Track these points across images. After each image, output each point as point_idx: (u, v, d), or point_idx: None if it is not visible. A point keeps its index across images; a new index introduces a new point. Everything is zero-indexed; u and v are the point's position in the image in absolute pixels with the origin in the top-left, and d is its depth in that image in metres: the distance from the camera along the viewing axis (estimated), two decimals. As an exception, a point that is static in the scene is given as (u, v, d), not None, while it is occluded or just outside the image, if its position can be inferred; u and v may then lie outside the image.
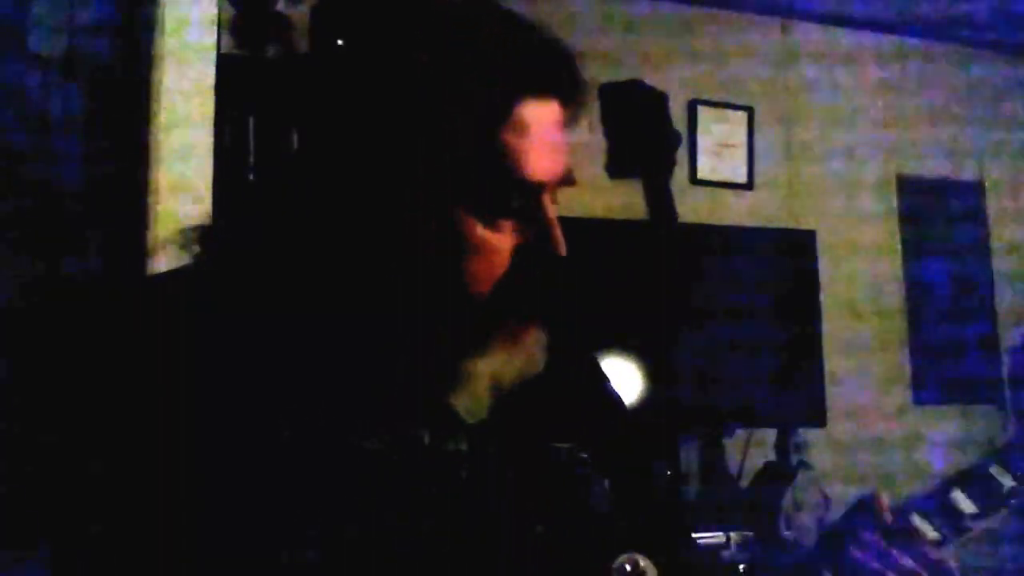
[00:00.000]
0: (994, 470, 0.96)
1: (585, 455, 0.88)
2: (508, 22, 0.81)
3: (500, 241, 0.79)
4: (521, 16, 0.82)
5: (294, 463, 0.73)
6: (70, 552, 0.72)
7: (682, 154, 3.36)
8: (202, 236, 0.85)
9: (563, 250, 0.81)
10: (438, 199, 0.77)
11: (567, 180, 0.82)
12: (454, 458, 0.80)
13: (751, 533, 2.59)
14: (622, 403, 1.00)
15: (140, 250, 1.92)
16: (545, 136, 0.79)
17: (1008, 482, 0.95)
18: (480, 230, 0.78)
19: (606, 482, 0.88)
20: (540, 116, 0.79)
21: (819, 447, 3.18)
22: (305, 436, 0.74)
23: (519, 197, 0.79)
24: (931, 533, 0.93)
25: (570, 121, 0.82)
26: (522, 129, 0.77)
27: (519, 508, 0.83)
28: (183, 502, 0.71)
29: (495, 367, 0.83)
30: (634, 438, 0.97)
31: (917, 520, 0.93)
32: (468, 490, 0.80)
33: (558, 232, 0.81)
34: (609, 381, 0.99)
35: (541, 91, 0.79)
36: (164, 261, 0.88)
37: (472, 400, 0.83)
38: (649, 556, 0.84)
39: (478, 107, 0.76)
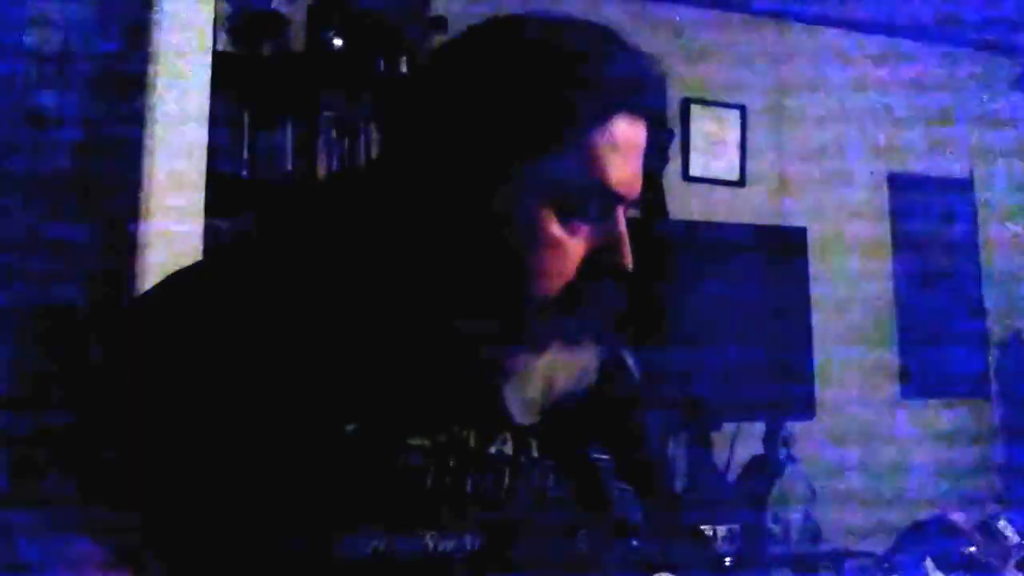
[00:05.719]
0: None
1: (616, 470, 0.90)
2: (619, 42, 0.85)
3: (573, 245, 0.81)
4: (632, 43, 0.86)
5: (345, 456, 0.75)
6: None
7: (675, 151, 3.40)
8: (263, 225, 0.86)
9: (631, 265, 0.83)
10: (522, 189, 0.80)
11: (637, 203, 0.85)
12: (499, 461, 0.82)
13: (738, 526, 2.61)
14: (651, 423, 1.02)
15: (133, 244, 1.94)
16: (630, 153, 0.82)
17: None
18: (556, 228, 0.80)
19: (637, 499, 0.91)
20: (630, 133, 0.82)
21: (807, 441, 3.21)
22: (362, 430, 0.76)
23: (598, 204, 0.82)
24: None
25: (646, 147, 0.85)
26: (612, 141, 0.81)
27: (561, 515, 0.85)
28: (239, 491, 0.74)
29: (551, 370, 0.83)
30: (659, 456, 0.98)
31: None
32: (512, 494, 0.82)
33: (628, 248, 0.83)
34: (645, 402, 1.01)
35: (635, 111, 0.83)
36: (155, 256, 0.89)
37: (525, 400, 0.84)
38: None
39: (577, 111, 0.79)
